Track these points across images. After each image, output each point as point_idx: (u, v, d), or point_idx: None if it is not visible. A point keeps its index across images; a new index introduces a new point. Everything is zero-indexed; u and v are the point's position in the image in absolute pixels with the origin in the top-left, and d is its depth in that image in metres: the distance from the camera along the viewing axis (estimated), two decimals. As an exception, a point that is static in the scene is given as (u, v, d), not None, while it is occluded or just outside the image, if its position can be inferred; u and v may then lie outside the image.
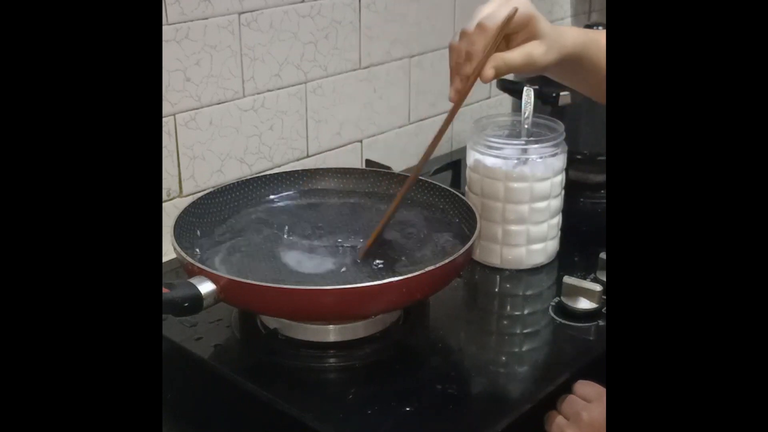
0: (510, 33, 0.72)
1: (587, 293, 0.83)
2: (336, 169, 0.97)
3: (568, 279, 0.84)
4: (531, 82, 0.98)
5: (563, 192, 0.94)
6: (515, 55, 0.72)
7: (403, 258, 0.82)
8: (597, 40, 0.76)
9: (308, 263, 0.82)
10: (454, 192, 0.90)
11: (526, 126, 0.92)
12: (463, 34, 0.72)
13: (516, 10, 0.70)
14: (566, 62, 0.75)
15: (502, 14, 0.69)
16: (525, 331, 0.84)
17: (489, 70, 0.70)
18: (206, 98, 0.97)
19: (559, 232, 0.95)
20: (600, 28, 1.16)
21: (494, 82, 1.21)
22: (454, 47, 0.73)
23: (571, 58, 0.75)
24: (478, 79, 0.72)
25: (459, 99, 0.74)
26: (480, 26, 0.70)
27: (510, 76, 1.13)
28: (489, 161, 0.90)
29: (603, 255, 0.89)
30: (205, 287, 0.70)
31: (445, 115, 0.77)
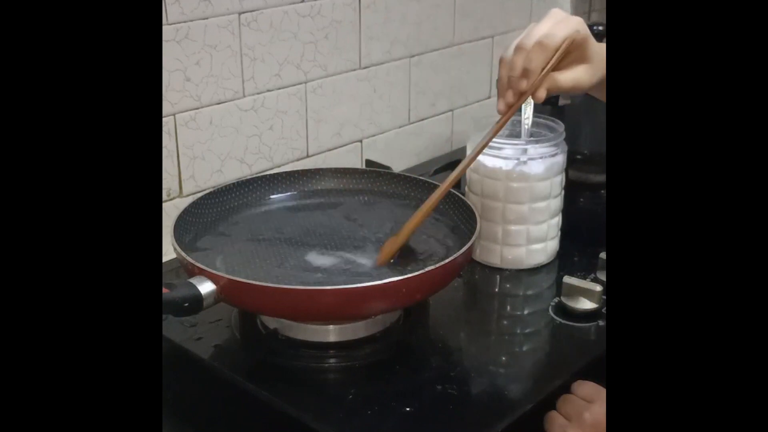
0: (564, 53, 0.74)
1: (587, 293, 0.83)
2: (336, 169, 0.97)
3: (568, 279, 0.84)
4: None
5: (563, 192, 0.94)
6: (566, 77, 0.74)
7: (403, 258, 0.82)
8: None
9: (308, 263, 0.82)
10: (454, 192, 0.90)
11: (526, 126, 0.92)
12: (520, 49, 0.73)
13: (578, 33, 0.72)
14: None
15: (561, 33, 0.72)
16: (525, 331, 0.84)
17: (542, 91, 0.73)
18: (206, 98, 0.97)
19: (559, 232, 0.95)
20: (600, 28, 1.17)
21: (494, 81, 1.21)
22: (507, 60, 0.74)
23: None
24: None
25: (510, 113, 0.76)
26: (540, 44, 0.71)
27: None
28: (489, 161, 0.90)
29: (603, 255, 0.89)
30: (205, 287, 0.70)
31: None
